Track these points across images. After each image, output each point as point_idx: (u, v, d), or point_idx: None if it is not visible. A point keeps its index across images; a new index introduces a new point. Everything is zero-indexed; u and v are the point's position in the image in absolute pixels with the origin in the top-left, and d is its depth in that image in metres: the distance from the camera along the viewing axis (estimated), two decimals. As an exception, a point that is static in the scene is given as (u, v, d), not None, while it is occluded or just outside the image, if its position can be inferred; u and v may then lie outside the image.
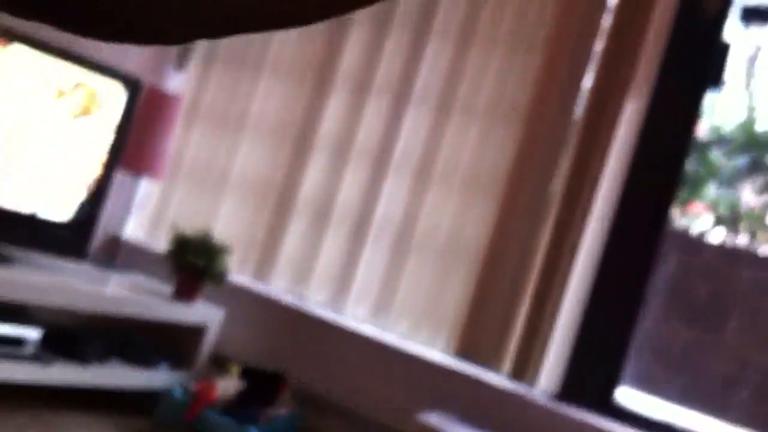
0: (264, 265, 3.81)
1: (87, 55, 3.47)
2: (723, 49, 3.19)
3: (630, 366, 3.08)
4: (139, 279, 3.70)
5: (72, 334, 3.33)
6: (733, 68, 3.17)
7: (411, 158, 3.53)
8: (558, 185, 3.20)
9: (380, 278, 3.49)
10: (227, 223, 3.88)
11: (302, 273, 3.70)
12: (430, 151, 3.50)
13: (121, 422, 3.25)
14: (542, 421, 2.94)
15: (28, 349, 2.95)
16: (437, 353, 3.28)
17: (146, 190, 4.11)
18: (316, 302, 3.62)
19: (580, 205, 3.12)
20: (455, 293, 3.33)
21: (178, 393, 3.26)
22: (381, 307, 3.48)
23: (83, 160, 3.48)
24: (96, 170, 3.53)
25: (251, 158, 3.92)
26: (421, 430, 2.82)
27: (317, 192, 3.71)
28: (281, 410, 3.25)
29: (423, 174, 3.49)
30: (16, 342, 2.91)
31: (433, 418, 2.86)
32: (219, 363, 3.59)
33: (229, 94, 4.02)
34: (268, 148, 3.88)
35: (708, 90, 3.12)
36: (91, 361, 3.17)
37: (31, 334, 2.96)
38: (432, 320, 3.37)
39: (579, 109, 3.21)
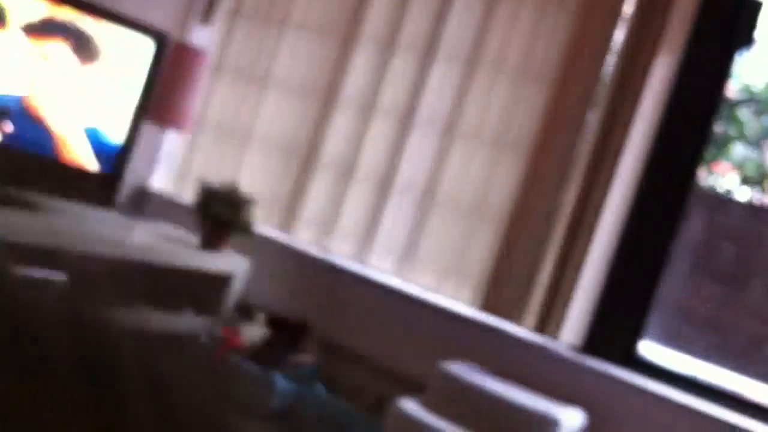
0: (289, 217, 3.83)
1: (114, 10, 3.48)
2: (755, 8, 3.15)
3: (654, 323, 3.08)
4: (166, 229, 3.73)
5: (98, 279, 3.37)
6: (765, 27, 3.13)
7: (437, 116, 3.53)
8: (586, 143, 3.19)
9: (405, 233, 3.50)
10: (253, 177, 3.89)
11: (327, 226, 3.72)
12: (456, 108, 3.49)
13: (148, 367, 3.29)
14: (565, 373, 2.95)
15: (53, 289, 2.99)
16: (461, 306, 3.30)
17: (173, 143, 4.13)
18: (340, 255, 3.64)
19: (607, 163, 3.11)
20: (480, 248, 3.34)
21: (205, 339, 3.30)
22: (405, 261, 3.49)
23: (112, 112, 3.50)
24: (124, 122, 3.55)
25: (277, 113, 3.93)
26: (444, 380, 2.83)
27: (343, 148, 3.72)
28: (305, 359, 3.28)
29: (449, 132, 3.48)
30: (43, 286, 2.95)
31: (456, 368, 2.88)
32: (244, 311, 3.62)
33: (255, 50, 4.02)
34: (294, 103, 3.88)
35: (739, 49, 3.09)
36: (117, 305, 3.21)
37: (58, 277, 2.99)
38: (457, 274, 3.38)
39: (609, 68, 3.19)
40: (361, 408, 3.05)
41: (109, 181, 3.61)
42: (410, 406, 2.76)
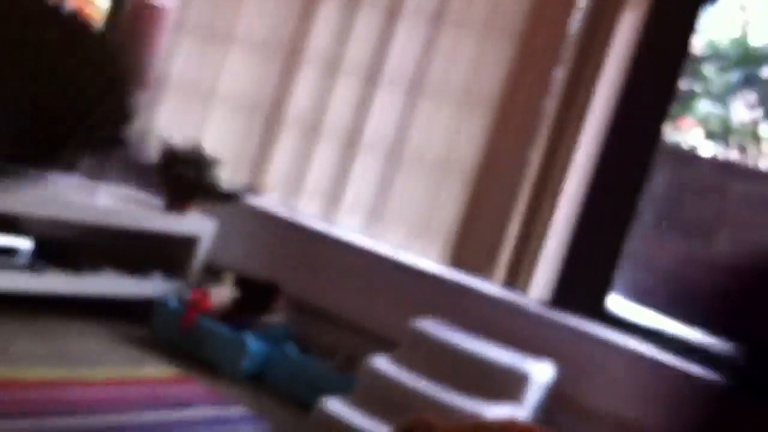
0: (255, 178, 3.79)
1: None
2: (719, -38, 3.16)
3: (621, 278, 3.12)
4: (130, 191, 3.68)
5: (64, 245, 3.32)
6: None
7: (404, 72, 3.49)
8: (552, 100, 3.19)
9: (372, 191, 3.49)
10: (217, 137, 3.84)
11: (294, 185, 3.69)
12: (423, 65, 3.46)
13: (117, 330, 3.27)
14: (535, 327, 2.98)
15: (21, 259, 2.94)
16: (430, 263, 3.30)
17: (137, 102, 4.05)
18: (308, 214, 3.62)
19: (574, 119, 3.11)
20: (448, 205, 3.33)
21: (172, 302, 3.27)
22: (373, 219, 3.48)
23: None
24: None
25: (241, 71, 3.86)
26: (415, 336, 2.85)
27: (308, 105, 3.68)
28: (275, 319, 3.27)
29: (416, 88, 3.46)
30: (9, 252, 2.90)
31: (426, 324, 2.89)
32: (213, 272, 3.60)
33: (216, 7, 3.94)
34: (258, 62, 3.82)
35: (704, 4, 3.10)
36: (84, 269, 3.17)
37: (24, 244, 2.94)
38: (425, 232, 3.38)
39: (575, 24, 3.19)
40: (333, 366, 3.06)
41: (72, 142, 3.53)
42: (382, 362, 2.77)
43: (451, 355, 2.77)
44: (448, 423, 1.37)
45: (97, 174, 3.79)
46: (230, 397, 2.90)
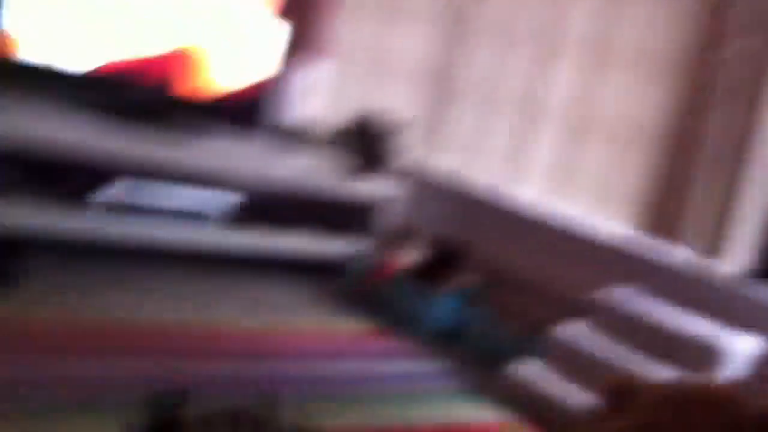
0: (439, 144, 3.85)
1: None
2: None
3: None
4: (320, 155, 3.82)
5: (265, 203, 3.50)
6: None
7: (588, 38, 3.42)
8: (741, 65, 3.03)
9: (560, 158, 3.46)
10: (400, 105, 3.91)
11: (476, 152, 3.72)
12: (607, 31, 3.37)
13: (312, 287, 3.42)
14: (732, 298, 2.87)
15: (226, 215, 3.12)
16: (622, 231, 3.25)
17: (319, 72, 4.18)
18: (492, 181, 3.64)
19: (764, 84, 2.96)
20: (636, 173, 3.26)
21: (366, 260, 3.39)
22: (561, 186, 3.46)
23: (262, 41, 3.57)
24: (275, 51, 3.62)
25: (418, 43, 3.91)
26: (607, 304, 2.82)
27: (488, 74, 3.68)
28: (465, 280, 3.32)
29: (601, 54, 3.38)
30: (215, 207, 3.09)
31: (618, 293, 2.85)
32: (405, 233, 3.69)
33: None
34: (434, 32, 3.85)
35: None
36: (283, 228, 3.33)
37: (230, 200, 3.12)
38: (614, 200, 3.32)
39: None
40: (522, 330, 3.08)
41: (260, 109, 3.71)
42: (574, 329, 2.76)
43: (644, 325, 2.72)
44: (651, 383, 1.36)
45: (294, 137, 3.96)
46: (420, 353, 2.99)
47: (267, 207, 3.50)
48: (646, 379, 1.37)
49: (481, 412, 2.60)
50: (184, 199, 3.01)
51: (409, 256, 3.34)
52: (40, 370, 2.09)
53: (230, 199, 3.12)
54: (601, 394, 1.33)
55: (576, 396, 2.59)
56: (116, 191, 2.79)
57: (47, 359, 2.14)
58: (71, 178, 2.75)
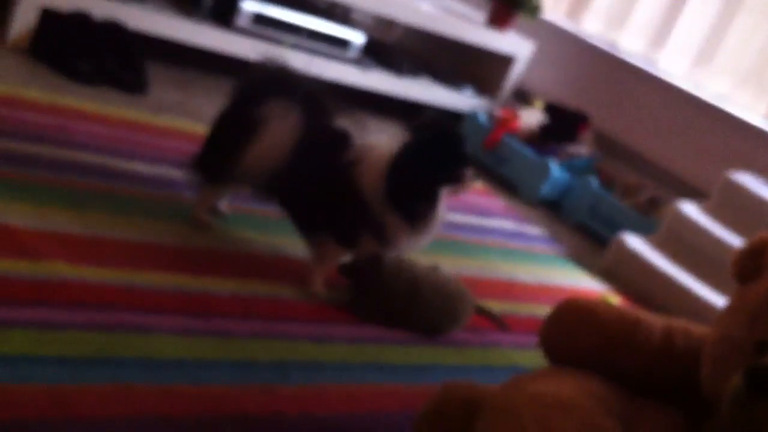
0: (579, 5, 3.69)
1: None
2: None
3: None
4: (454, 2, 3.72)
5: (388, 46, 3.45)
6: None
7: None
8: None
9: (704, 33, 3.28)
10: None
11: (618, 18, 3.55)
12: None
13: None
14: None
15: (352, 53, 3.09)
16: (755, 116, 3.10)
17: None
18: (630, 50, 3.49)
19: None
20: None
21: (482, 117, 3.34)
22: (700, 64, 3.29)
23: None
24: None
25: None
26: (728, 189, 2.72)
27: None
28: (581, 150, 3.25)
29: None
30: (343, 44, 3.05)
31: (741, 178, 2.74)
32: (523, 96, 3.61)
33: None
34: None
35: None
36: (404, 72, 3.29)
37: (356, 38, 3.08)
38: (756, 82, 3.16)
39: None
40: (633, 205, 3.01)
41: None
42: (691, 209, 2.69)
43: (765, 212, 2.63)
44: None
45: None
46: (527, 216, 2.96)
47: (393, 49, 3.45)
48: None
49: (580, 279, 2.59)
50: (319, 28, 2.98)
51: (526, 120, 3.27)
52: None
53: (360, 37, 3.08)
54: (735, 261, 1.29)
55: (680, 276, 2.54)
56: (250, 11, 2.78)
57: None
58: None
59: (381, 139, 1.76)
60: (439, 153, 1.69)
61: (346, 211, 1.73)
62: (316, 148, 1.74)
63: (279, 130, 1.73)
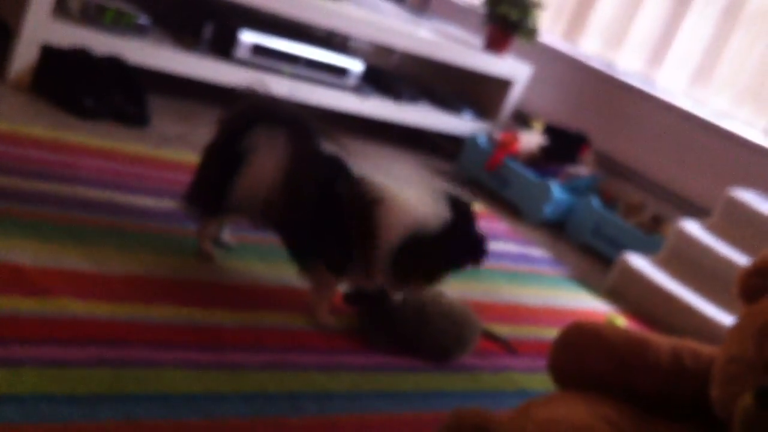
0: (576, 26, 3.72)
1: None
2: None
3: None
4: (452, 28, 3.75)
5: (387, 73, 3.48)
6: None
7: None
8: None
9: (701, 51, 3.30)
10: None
11: (615, 39, 3.58)
12: None
13: (425, 160, 3.42)
14: None
15: (351, 81, 3.11)
16: (754, 133, 3.11)
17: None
18: (627, 69, 3.51)
19: None
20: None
21: (482, 140, 3.35)
22: (698, 81, 3.31)
23: None
24: None
25: None
26: (730, 206, 2.73)
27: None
28: (581, 170, 3.27)
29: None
30: (342, 72, 3.07)
31: (743, 195, 2.75)
32: (523, 118, 3.63)
33: None
34: None
35: None
36: (404, 98, 3.30)
37: (355, 66, 3.10)
38: (754, 99, 3.17)
39: None
40: (636, 224, 3.02)
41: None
42: (693, 227, 2.69)
43: (764, 229, 2.63)
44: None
45: (421, 7, 3.88)
46: (531, 238, 2.97)
47: (392, 76, 3.47)
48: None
49: (585, 300, 2.59)
50: (317, 56, 3.00)
51: (527, 142, 3.29)
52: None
53: (359, 65, 3.10)
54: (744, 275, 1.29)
55: (685, 294, 2.54)
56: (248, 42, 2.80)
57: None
58: (211, 27, 2.77)
59: (400, 186, 1.74)
60: (460, 241, 1.69)
61: (340, 239, 1.73)
62: (306, 175, 1.75)
63: (267, 158, 1.73)
